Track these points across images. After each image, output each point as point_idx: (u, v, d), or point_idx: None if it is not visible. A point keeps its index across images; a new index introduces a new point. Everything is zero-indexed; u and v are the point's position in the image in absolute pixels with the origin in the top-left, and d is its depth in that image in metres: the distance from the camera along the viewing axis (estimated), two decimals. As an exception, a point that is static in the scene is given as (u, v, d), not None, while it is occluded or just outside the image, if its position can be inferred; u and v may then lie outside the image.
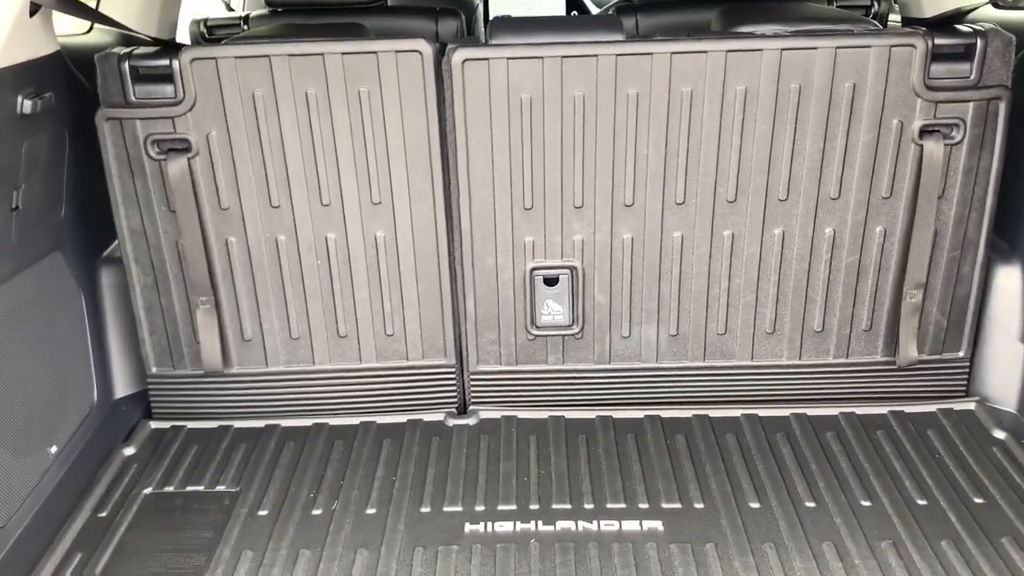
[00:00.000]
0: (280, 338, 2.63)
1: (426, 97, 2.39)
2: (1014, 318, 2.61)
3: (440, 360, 2.68)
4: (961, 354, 2.66)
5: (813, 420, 2.58)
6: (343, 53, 2.35)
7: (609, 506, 2.26)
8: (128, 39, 2.74)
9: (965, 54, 2.38)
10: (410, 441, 2.54)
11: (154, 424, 2.65)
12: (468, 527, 2.20)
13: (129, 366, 2.71)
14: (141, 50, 2.42)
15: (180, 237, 2.51)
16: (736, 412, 2.62)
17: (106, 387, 2.65)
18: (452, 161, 2.46)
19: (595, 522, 2.20)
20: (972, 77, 2.39)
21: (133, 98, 2.39)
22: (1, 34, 2.06)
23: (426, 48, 2.35)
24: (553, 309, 2.61)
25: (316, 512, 2.26)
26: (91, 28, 3.19)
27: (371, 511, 2.26)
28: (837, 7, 3.75)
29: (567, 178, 2.47)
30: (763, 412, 2.62)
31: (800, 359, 2.66)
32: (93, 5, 2.96)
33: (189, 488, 2.38)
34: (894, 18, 4.05)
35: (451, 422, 2.62)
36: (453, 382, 2.70)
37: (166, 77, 2.38)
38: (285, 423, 2.63)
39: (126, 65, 2.37)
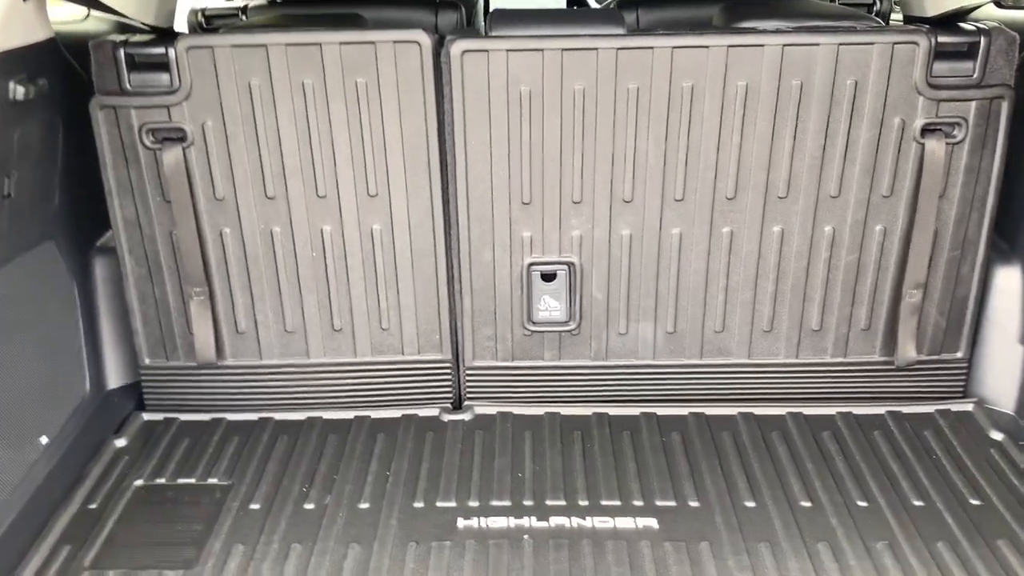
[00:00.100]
0: (274, 331, 2.61)
1: (424, 89, 2.37)
2: (1013, 319, 2.60)
3: (436, 355, 2.66)
4: (960, 355, 2.65)
5: (810, 419, 2.57)
6: (341, 43, 2.33)
7: (604, 503, 2.24)
8: (125, 27, 2.71)
9: (968, 52, 2.36)
10: (404, 436, 2.52)
11: (146, 416, 2.63)
12: (461, 522, 2.18)
13: (122, 357, 2.69)
14: (137, 38, 2.40)
15: (174, 228, 2.48)
16: (732, 410, 2.60)
17: (98, 378, 2.63)
18: (450, 154, 2.44)
19: (589, 519, 2.18)
20: (975, 76, 2.37)
21: (128, 86, 2.37)
22: (-6, 19, 2.04)
23: (424, 39, 2.33)
24: (550, 305, 2.60)
25: (308, 506, 2.25)
26: (88, 15, 3.16)
27: (364, 506, 2.25)
28: (840, 4, 3.73)
29: (566, 173, 2.45)
30: (759, 411, 2.60)
31: (797, 358, 2.65)
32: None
33: (180, 480, 2.36)
34: (895, 17, 4.03)
35: (446, 417, 2.61)
36: (448, 377, 2.69)
37: (162, 65, 2.36)
38: (278, 416, 2.62)
39: (121, 52, 2.35)
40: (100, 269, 2.64)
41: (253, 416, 2.61)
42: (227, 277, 2.55)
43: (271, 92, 2.37)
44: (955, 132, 2.40)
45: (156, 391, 2.67)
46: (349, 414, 2.62)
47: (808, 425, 2.54)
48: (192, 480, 2.36)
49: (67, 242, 2.51)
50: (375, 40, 2.33)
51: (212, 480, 2.35)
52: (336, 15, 2.96)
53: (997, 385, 2.64)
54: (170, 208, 2.46)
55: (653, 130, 2.40)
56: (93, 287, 2.63)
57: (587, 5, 6.39)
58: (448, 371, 2.68)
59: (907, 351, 2.59)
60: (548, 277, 2.57)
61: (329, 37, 2.33)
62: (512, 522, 2.18)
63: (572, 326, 2.61)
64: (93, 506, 2.26)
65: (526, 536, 2.13)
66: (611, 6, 3.84)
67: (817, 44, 2.33)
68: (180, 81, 2.36)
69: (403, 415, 2.61)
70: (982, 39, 2.35)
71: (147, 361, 2.65)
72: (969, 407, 2.61)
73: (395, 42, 2.33)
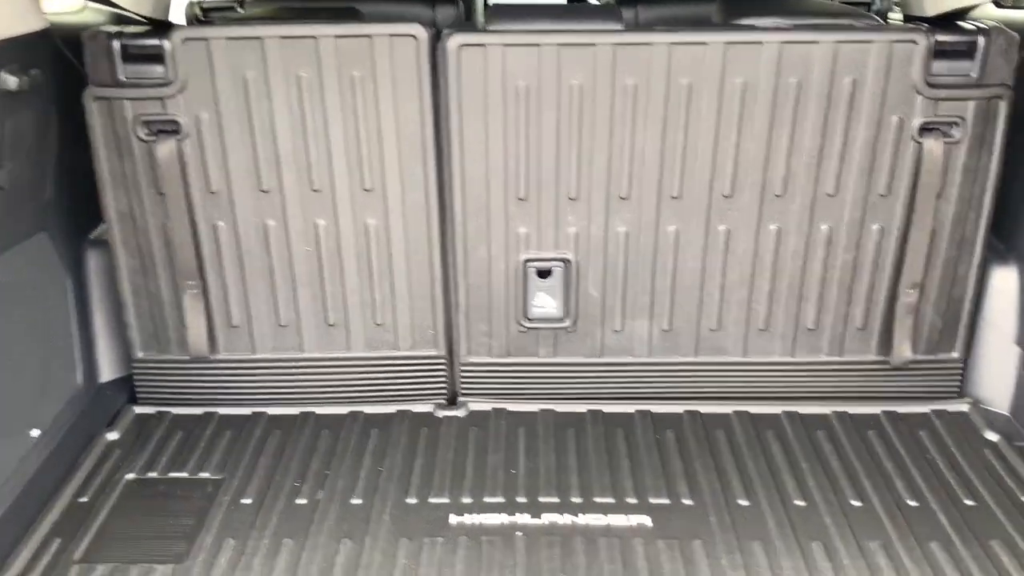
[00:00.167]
0: (268, 325, 2.60)
1: (420, 83, 2.36)
2: (1009, 320, 2.59)
3: (430, 351, 2.65)
4: (955, 355, 2.64)
5: (805, 418, 2.56)
6: (336, 36, 2.31)
7: (597, 500, 2.23)
8: (120, 18, 2.70)
9: (967, 52, 2.35)
10: (398, 431, 2.52)
11: (138, 409, 2.61)
12: (454, 519, 2.17)
13: (114, 350, 2.68)
14: (131, 29, 2.39)
15: (168, 220, 2.47)
16: (727, 409, 2.60)
17: (90, 371, 2.62)
18: (446, 149, 2.43)
19: (583, 516, 2.17)
20: (974, 75, 2.36)
21: (122, 78, 2.35)
22: (-13, 8, 2.03)
23: (421, 33, 2.32)
24: (545, 302, 2.59)
25: (300, 501, 2.24)
26: (84, 7, 3.14)
27: (356, 501, 2.24)
28: (839, 2, 3.72)
29: (562, 169, 2.44)
30: (754, 409, 2.59)
31: (793, 356, 2.64)
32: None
33: (172, 474, 2.35)
34: (894, 17, 4.02)
35: (440, 413, 2.60)
36: (443, 373, 2.68)
37: (157, 57, 2.34)
38: (271, 411, 2.60)
39: (116, 44, 2.33)
40: (93, 262, 2.62)
41: (246, 410, 2.60)
42: (221, 270, 2.53)
43: (266, 85, 2.35)
44: (953, 132, 2.40)
45: (148, 384, 2.66)
46: (343, 409, 2.61)
47: (803, 424, 2.54)
48: (184, 474, 2.35)
49: (60, 234, 2.49)
50: (371, 33, 2.32)
51: (204, 474, 2.34)
52: (333, 8, 2.95)
53: (992, 386, 2.63)
54: (164, 201, 2.45)
55: (650, 127, 2.39)
56: (86, 280, 2.62)
57: (585, 1, 6.37)
58: (442, 367, 2.67)
59: (903, 351, 2.59)
60: (544, 274, 2.56)
61: (325, 30, 2.32)
62: (505, 519, 2.17)
63: (567, 323, 2.60)
64: (84, 499, 2.25)
65: (519, 533, 2.13)
66: (610, 2, 3.83)
67: (815, 42, 2.32)
68: (175, 73, 2.34)
69: (397, 411, 2.60)
70: (981, 38, 2.34)
71: (140, 354, 2.63)
72: (964, 407, 2.60)
73: (391, 35, 2.32)
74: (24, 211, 2.30)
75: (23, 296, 2.29)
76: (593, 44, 2.32)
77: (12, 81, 2.10)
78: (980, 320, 2.63)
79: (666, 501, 2.23)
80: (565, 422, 2.55)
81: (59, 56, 2.41)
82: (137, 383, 2.67)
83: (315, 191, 2.46)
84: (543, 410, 2.61)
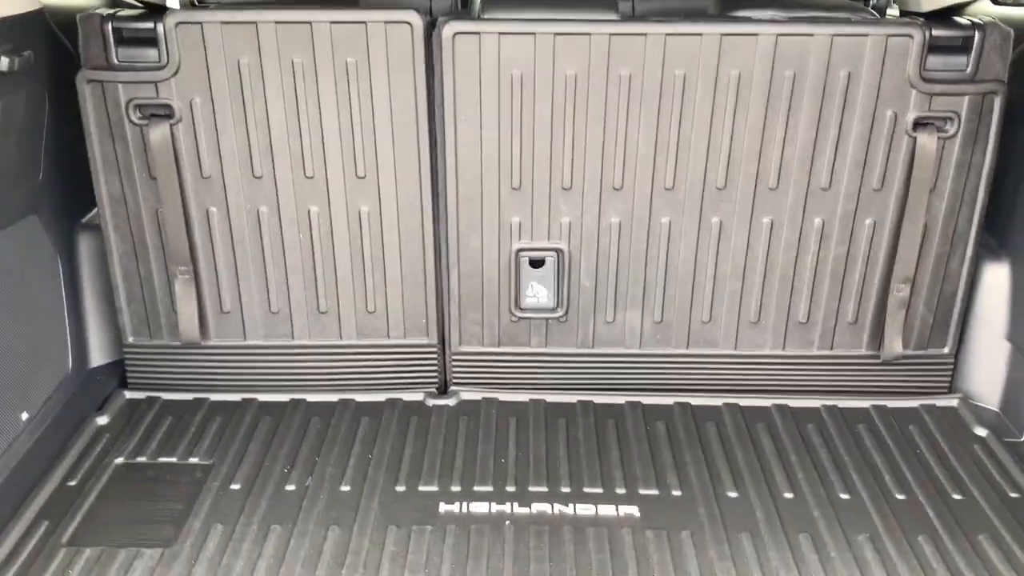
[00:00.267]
0: (259, 311, 2.59)
1: (415, 70, 2.35)
2: (1000, 316, 2.60)
3: (422, 339, 2.65)
4: (946, 350, 2.65)
5: (795, 411, 2.57)
6: (331, 22, 2.31)
7: (586, 490, 2.23)
8: (114, 0, 2.68)
9: (962, 47, 2.35)
10: (388, 420, 2.51)
11: (129, 394, 2.61)
12: (443, 507, 2.17)
13: (105, 335, 2.67)
14: (125, 12, 2.37)
15: (160, 205, 2.46)
16: (717, 401, 2.60)
17: (81, 355, 2.61)
18: (439, 137, 2.42)
19: (571, 505, 2.18)
20: (968, 71, 2.36)
21: (116, 61, 2.34)
22: (-21, -12, 2.02)
23: (416, 20, 2.31)
24: (538, 291, 2.58)
25: (289, 488, 2.24)
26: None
27: (345, 488, 2.24)
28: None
29: (556, 158, 2.43)
30: (744, 402, 2.60)
31: (784, 350, 2.64)
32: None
33: (161, 459, 2.35)
34: (892, 12, 4.02)
35: (431, 402, 2.60)
36: (434, 362, 2.67)
37: (150, 40, 2.33)
38: (262, 398, 2.60)
39: (109, 26, 2.32)
40: (85, 246, 2.62)
41: (236, 397, 2.59)
42: (212, 256, 2.53)
43: (260, 70, 2.34)
44: (947, 127, 2.40)
45: (139, 369, 2.66)
46: (333, 397, 2.60)
47: (793, 417, 2.54)
48: (173, 459, 2.34)
49: (51, 217, 2.48)
50: (366, 20, 2.31)
51: (193, 459, 2.34)
52: None
53: (982, 381, 2.64)
54: (156, 185, 2.44)
55: (644, 118, 2.39)
56: (77, 264, 2.61)
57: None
58: (434, 356, 2.67)
59: (893, 345, 2.59)
60: (536, 263, 2.56)
61: (319, 15, 2.31)
62: (494, 508, 2.17)
63: (559, 313, 2.60)
64: (73, 483, 2.24)
65: (507, 522, 2.13)
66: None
67: (811, 35, 2.32)
68: (168, 57, 2.33)
69: (388, 399, 2.60)
70: (976, 34, 2.34)
71: (131, 339, 2.63)
72: (954, 403, 2.61)
73: (386, 22, 2.31)
74: (15, 193, 2.29)
75: (13, 279, 2.28)
76: (589, 34, 2.31)
77: (4, 62, 2.09)
78: (971, 316, 2.64)
79: (655, 492, 2.23)
80: (556, 412, 2.56)
81: (52, 38, 2.40)
82: (128, 368, 2.66)
83: (308, 177, 2.45)
84: (534, 400, 2.61)
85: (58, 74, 2.40)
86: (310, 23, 2.31)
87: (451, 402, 2.60)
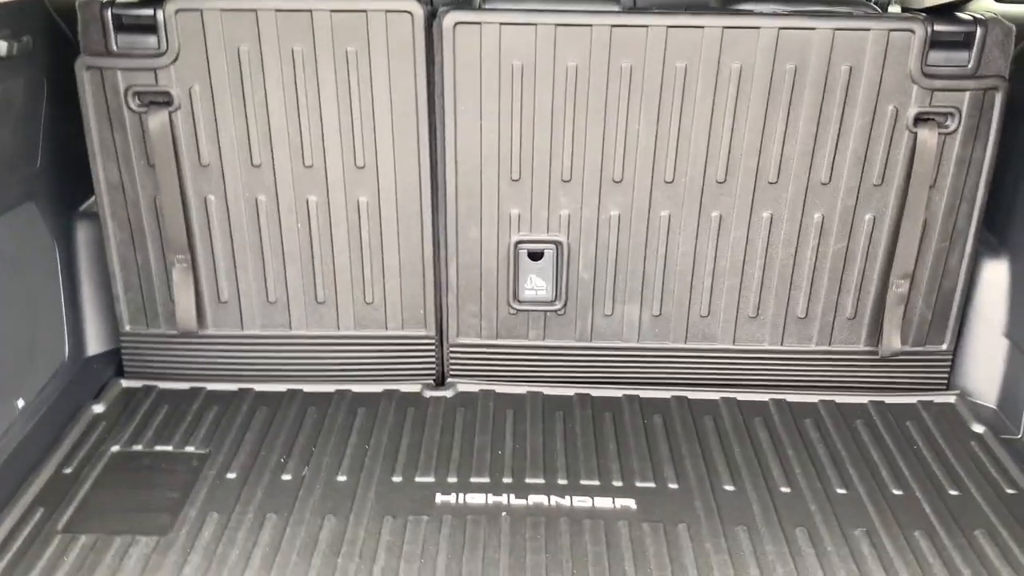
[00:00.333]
0: (256, 301, 2.58)
1: (415, 60, 2.34)
2: (999, 313, 2.60)
3: (419, 331, 2.64)
4: (944, 347, 2.65)
5: (792, 406, 2.57)
6: (332, 10, 2.30)
7: (583, 482, 2.23)
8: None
9: (964, 42, 2.35)
10: (385, 410, 2.51)
11: (125, 383, 2.60)
12: (439, 498, 2.17)
13: (102, 323, 2.66)
14: None
15: (158, 193, 2.45)
16: (715, 395, 2.60)
17: (78, 343, 2.61)
18: (439, 127, 2.42)
19: (568, 498, 2.17)
20: (970, 66, 2.36)
21: (115, 48, 2.33)
22: (-22, -28, 2.01)
23: (417, 9, 2.30)
24: (536, 284, 2.58)
25: (285, 477, 2.23)
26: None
27: (342, 478, 2.23)
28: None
29: (556, 150, 2.43)
30: (742, 396, 2.59)
31: (782, 345, 2.64)
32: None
33: (157, 448, 2.34)
34: (894, 8, 4.01)
35: (428, 393, 2.59)
36: (432, 353, 2.67)
37: (150, 27, 2.32)
38: (259, 387, 2.59)
39: (109, 13, 2.31)
40: (82, 234, 2.61)
41: (233, 386, 2.59)
42: (210, 245, 2.52)
43: (260, 58, 2.33)
44: (948, 122, 2.39)
45: (136, 358, 2.65)
46: (330, 387, 2.60)
47: (790, 412, 2.54)
48: (169, 448, 2.34)
49: (49, 204, 2.47)
50: (367, 8, 2.30)
51: (189, 448, 2.33)
52: None
53: (980, 378, 2.64)
54: (154, 173, 2.43)
55: (645, 110, 2.38)
56: (75, 252, 2.60)
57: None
58: (431, 347, 2.66)
59: (892, 341, 2.59)
60: (535, 256, 2.55)
61: (320, 4, 2.30)
62: (490, 499, 2.17)
63: (558, 306, 2.60)
64: (68, 470, 2.23)
65: (504, 513, 2.12)
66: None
67: (813, 28, 2.31)
68: (168, 44, 2.32)
69: (385, 390, 2.60)
70: (978, 30, 2.34)
71: (127, 328, 2.62)
72: (952, 399, 2.61)
73: (387, 11, 2.30)
74: (12, 180, 2.28)
75: (10, 267, 2.27)
76: (590, 25, 2.30)
77: (3, 47, 2.08)
78: (970, 312, 2.63)
79: (652, 485, 2.23)
80: (553, 405, 2.55)
81: (51, 24, 2.39)
82: (124, 357, 2.65)
83: (307, 167, 2.44)
84: (531, 393, 2.60)
85: (57, 60, 2.39)
86: (310, 11, 2.30)
87: (448, 394, 2.59)
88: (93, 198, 2.56)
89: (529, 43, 2.32)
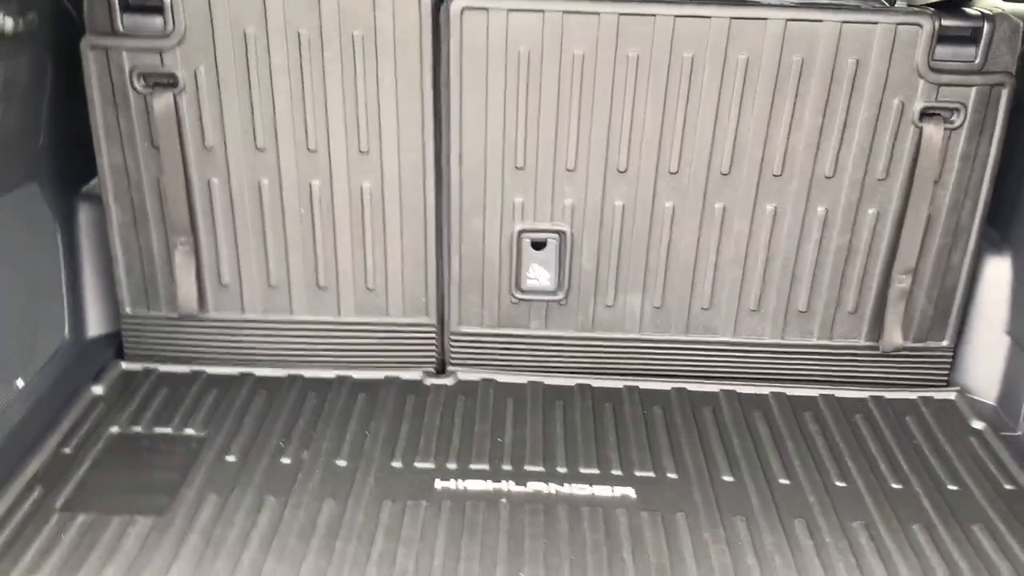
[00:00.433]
0: (258, 285, 2.58)
1: (421, 45, 2.33)
2: (1001, 310, 2.60)
3: (421, 318, 2.64)
4: (945, 343, 2.64)
5: (792, 400, 2.56)
6: None
7: (582, 470, 2.23)
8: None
9: (971, 37, 2.35)
10: (385, 397, 2.51)
11: (125, 365, 2.60)
12: (439, 483, 2.17)
13: (103, 305, 2.66)
14: None
15: (162, 175, 2.45)
16: (715, 387, 2.60)
17: (78, 325, 2.60)
18: (444, 113, 2.41)
19: (567, 485, 2.17)
20: (977, 61, 2.36)
21: (120, 28, 2.33)
22: (-16, -52, 2.00)
23: (424, -6, 2.30)
24: (539, 273, 2.57)
25: (284, 461, 2.23)
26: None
27: (341, 463, 2.23)
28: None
29: (561, 139, 2.42)
30: (742, 389, 2.59)
31: (783, 338, 2.64)
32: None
33: (157, 430, 2.33)
34: (902, 2, 4.01)
35: (428, 381, 2.59)
36: (433, 341, 2.66)
37: (156, 8, 2.31)
38: (259, 372, 2.59)
39: None
40: (84, 216, 2.60)
41: (233, 370, 2.58)
42: (213, 228, 2.51)
43: (266, 41, 2.33)
44: (954, 117, 2.39)
45: (136, 341, 2.64)
46: (330, 373, 2.59)
47: (790, 405, 2.54)
48: (168, 430, 2.33)
49: (51, 185, 2.47)
50: None
51: (188, 431, 2.33)
52: None
53: (981, 375, 2.64)
54: (158, 155, 2.42)
55: (651, 100, 2.38)
56: (77, 233, 2.60)
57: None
58: (432, 335, 2.66)
59: (893, 337, 2.59)
60: (538, 245, 2.55)
61: None
62: (490, 485, 2.17)
63: (560, 296, 2.59)
64: (67, 451, 2.23)
65: (503, 499, 2.12)
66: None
67: (820, 21, 2.31)
68: (174, 25, 2.32)
69: (385, 377, 2.59)
70: (986, 25, 2.33)
71: (128, 310, 2.61)
72: (952, 395, 2.61)
73: None
74: (14, 159, 2.28)
75: (11, 247, 2.27)
76: (597, 13, 2.30)
77: (7, 23, 2.07)
78: (971, 309, 2.63)
79: (651, 474, 2.23)
80: (553, 394, 2.55)
81: (56, 2, 2.38)
82: (125, 339, 2.65)
83: (311, 151, 2.44)
84: (532, 382, 2.60)
85: (62, 40, 2.38)
86: None
87: (449, 382, 2.59)
88: (96, 179, 2.55)
89: (536, 30, 2.32)
